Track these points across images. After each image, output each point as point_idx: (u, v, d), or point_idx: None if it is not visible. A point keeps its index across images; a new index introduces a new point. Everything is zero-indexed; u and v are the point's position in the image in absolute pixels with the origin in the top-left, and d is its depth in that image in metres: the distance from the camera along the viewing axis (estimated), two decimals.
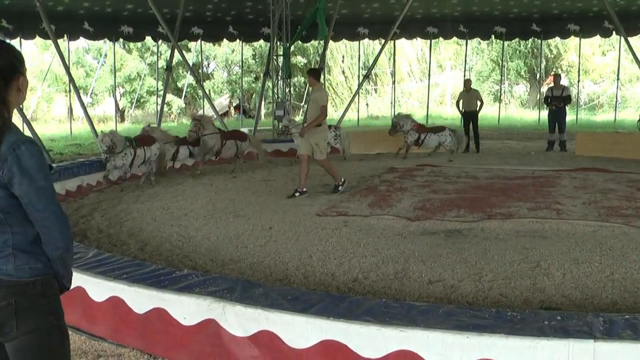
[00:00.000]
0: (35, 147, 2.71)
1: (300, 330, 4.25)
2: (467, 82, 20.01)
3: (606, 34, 27.12)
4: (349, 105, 25.31)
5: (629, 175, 13.55)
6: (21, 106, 8.53)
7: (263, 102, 27.67)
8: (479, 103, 19.39)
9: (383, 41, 25.17)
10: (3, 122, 2.68)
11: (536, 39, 30.60)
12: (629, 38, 22.57)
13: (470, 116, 19.21)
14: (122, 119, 35.43)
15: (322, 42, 25.07)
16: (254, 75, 40.82)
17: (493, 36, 29.02)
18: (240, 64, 35.07)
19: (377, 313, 4.23)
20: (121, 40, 27.78)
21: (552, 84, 20.21)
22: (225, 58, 40.70)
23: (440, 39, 30.60)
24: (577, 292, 6.05)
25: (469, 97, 19.35)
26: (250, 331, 4.42)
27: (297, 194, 11.35)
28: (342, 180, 11.82)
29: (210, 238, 8.35)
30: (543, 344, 3.81)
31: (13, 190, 2.66)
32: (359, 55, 33.06)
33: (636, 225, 8.79)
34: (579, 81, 34.22)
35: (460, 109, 19.53)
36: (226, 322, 4.50)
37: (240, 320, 4.45)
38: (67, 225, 2.82)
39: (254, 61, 40.41)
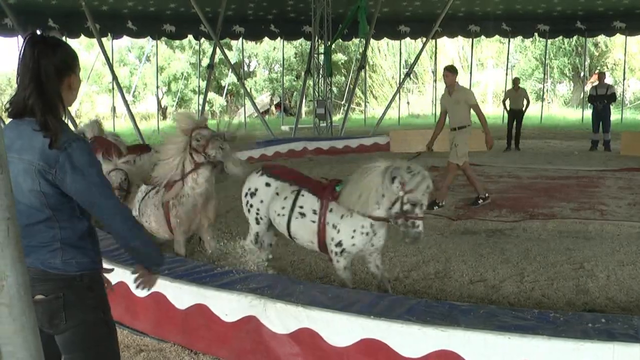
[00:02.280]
0: (85, 144, 2.77)
1: (340, 328, 4.25)
2: (515, 81, 19.96)
3: None
4: (390, 103, 25.26)
5: None
6: None
7: (304, 100, 27.73)
8: (525, 102, 19.30)
9: (424, 39, 25.06)
10: (59, 120, 2.74)
11: (580, 37, 30.19)
12: None
13: (516, 114, 19.20)
14: (164, 117, 35.77)
15: (363, 40, 25.03)
16: (295, 74, 40.92)
17: (536, 34, 28.67)
18: (282, 62, 35.18)
19: (418, 312, 4.21)
20: (163, 39, 28.02)
21: (596, 82, 19.93)
22: (267, 56, 40.86)
23: (482, 37, 30.33)
24: (622, 295, 5.97)
25: (517, 96, 19.32)
26: (290, 328, 4.43)
27: (480, 201, 10.37)
28: (486, 195, 10.53)
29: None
30: (587, 346, 3.74)
31: (65, 188, 2.71)
32: (400, 54, 32.92)
33: None
34: (624, 79, 33.61)
35: (507, 107, 19.45)
36: (267, 319, 4.52)
37: (281, 317, 4.47)
38: (127, 216, 2.89)
39: (295, 59, 40.51)
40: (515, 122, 19.28)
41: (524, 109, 19.35)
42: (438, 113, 30.70)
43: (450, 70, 10.92)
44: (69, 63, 2.82)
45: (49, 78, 2.72)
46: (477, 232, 8.41)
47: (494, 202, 10.39)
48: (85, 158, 2.72)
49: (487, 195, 10.49)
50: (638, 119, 31.21)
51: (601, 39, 35.32)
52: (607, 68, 38.72)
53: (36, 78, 2.70)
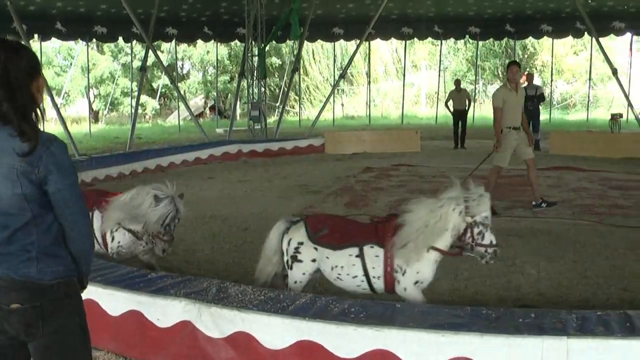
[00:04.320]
0: (63, 144, 2.78)
1: (276, 331, 4.23)
2: (457, 82, 20.38)
3: (578, 34, 27.41)
4: (324, 105, 25.31)
5: (601, 173, 13.69)
6: None
7: (238, 103, 27.59)
8: (467, 102, 19.69)
9: (358, 41, 25.22)
10: (34, 124, 2.72)
11: (510, 39, 30.86)
12: (600, 38, 22.85)
13: (460, 114, 19.57)
14: (96, 121, 35.09)
15: (297, 42, 25.06)
16: (229, 76, 40.68)
17: (467, 36, 29.19)
18: (216, 64, 34.94)
19: (353, 313, 4.22)
20: (94, 40, 27.52)
21: (525, 84, 20.35)
22: (201, 58, 40.52)
23: (415, 39, 30.71)
24: (552, 290, 6.11)
25: (459, 97, 19.74)
26: (226, 332, 4.39)
27: (543, 204, 10.00)
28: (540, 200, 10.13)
29: (186, 239, 8.29)
30: (518, 341, 3.83)
31: (47, 186, 2.72)
32: (334, 56, 33.08)
33: (609, 223, 8.90)
34: (552, 80, 34.51)
35: (450, 108, 19.75)
36: (202, 323, 4.47)
37: (216, 321, 4.42)
38: (88, 220, 2.92)
39: (229, 62, 40.28)
40: (460, 122, 19.66)
41: (466, 108, 19.71)
42: (372, 114, 30.79)
43: (519, 66, 10.51)
44: (36, 66, 2.80)
45: (19, 83, 2.69)
46: None
47: None
48: (66, 156, 2.77)
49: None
50: (566, 119, 32.02)
51: (530, 41, 36.11)
52: (536, 69, 39.63)
53: (6, 85, 2.66)
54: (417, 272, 4.80)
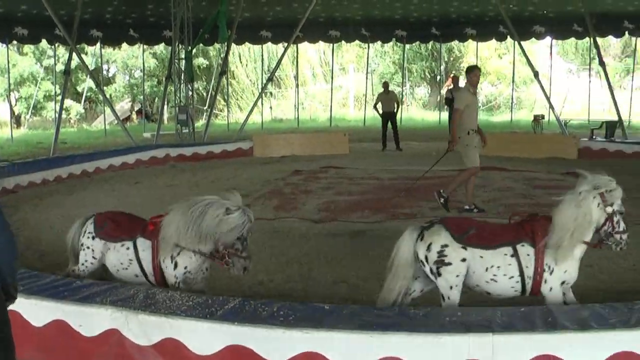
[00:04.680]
0: None
1: (205, 336, 4.21)
2: (385, 84, 20.56)
3: (501, 37, 28.09)
4: (253, 108, 25.23)
5: (525, 173, 14.05)
6: None
7: (166, 107, 27.26)
8: (396, 104, 19.89)
9: (286, 44, 25.24)
10: None
11: (436, 42, 31.39)
12: (521, 42, 23.51)
13: (389, 117, 19.72)
14: (18, 125, 34.08)
15: (225, 45, 24.90)
16: (156, 80, 40.09)
17: (394, 39, 29.54)
18: (142, 67, 34.42)
19: (282, 316, 4.23)
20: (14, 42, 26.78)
21: (451, 86, 20.78)
22: (126, 62, 39.81)
23: (343, 42, 30.91)
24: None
25: (388, 99, 19.89)
26: (154, 340, 4.34)
27: (475, 210, 10.02)
28: (473, 206, 10.23)
29: None
30: (445, 339, 3.93)
31: None
32: (262, 59, 33.02)
33: None
34: None
35: (379, 110, 19.89)
36: (129, 331, 4.41)
37: (144, 328, 4.36)
38: (12, 232, 2.83)
39: (155, 65, 39.70)
40: (390, 124, 19.85)
41: (395, 111, 19.89)
42: (301, 117, 30.76)
43: (480, 70, 10.64)
44: None
45: None
46: (341, 234, 8.54)
47: (357, 204, 10.58)
48: None
49: (473, 206, 10.20)
50: (491, 121, 32.67)
51: (455, 44, 36.77)
52: (461, 72, 40.32)
53: None
54: (565, 271, 4.79)
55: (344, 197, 11.36)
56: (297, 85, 32.90)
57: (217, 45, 29.49)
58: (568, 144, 17.77)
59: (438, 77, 38.35)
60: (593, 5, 23.19)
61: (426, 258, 4.82)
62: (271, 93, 38.49)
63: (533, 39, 28.12)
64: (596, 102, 32.39)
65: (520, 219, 5.13)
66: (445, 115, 24.20)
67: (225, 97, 34.62)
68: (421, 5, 25.54)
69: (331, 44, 30.87)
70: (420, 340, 3.93)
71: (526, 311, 4.30)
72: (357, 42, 31.16)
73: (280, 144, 19.39)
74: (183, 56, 21.63)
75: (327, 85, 36.14)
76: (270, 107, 36.50)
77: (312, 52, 40.21)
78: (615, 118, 21.51)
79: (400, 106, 20.62)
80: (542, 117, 24.40)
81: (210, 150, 18.63)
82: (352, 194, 11.67)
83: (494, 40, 30.38)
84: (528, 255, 4.77)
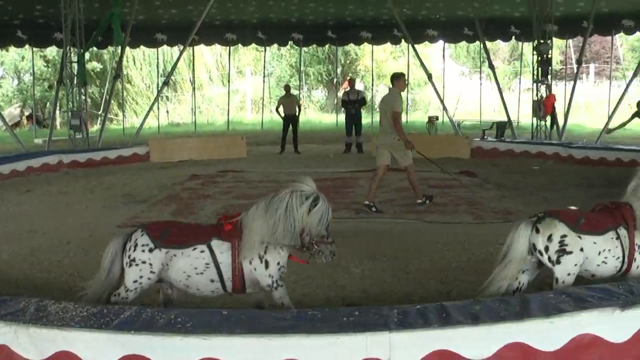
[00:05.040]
0: None
1: (100, 347, 4.09)
2: (287, 87, 20.70)
3: (396, 41, 28.66)
4: (148, 112, 24.84)
5: (420, 173, 14.30)
6: None
7: (58, 111, 26.46)
8: (297, 107, 19.99)
9: (182, 47, 24.95)
10: None
11: (332, 45, 31.72)
12: (415, 45, 24.09)
13: (290, 119, 19.77)
14: None
15: (119, 48, 24.36)
16: (47, 83, 38.81)
17: (291, 42, 29.71)
18: (32, 70, 33.24)
19: (179, 323, 4.17)
20: None
21: (348, 88, 21.07)
22: (15, 65, 38.38)
23: (240, 45, 30.82)
24: (375, 287, 6.36)
25: (289, 102, 19.93)
26: (47, 353, 4.17)
27: (373, 208, 10.38)
28: (424, 199, 10.75)
29: (1, 256, 7.85)
30: (343, 339, 3.97)
31: None
32: (158, 62, 32.52)
33: (427, 220, 9.39)
34: (373, 85, 35.78)
35: (281, 113, 19.90)
36: (19, 346, 4.21)
37: (36, 342, 4.19)
38: None
39: (46, 68, 38.43)
40: (290, 127, 19.89)
41: (296, 114, 19.99)
42: (198, 121, 30.61)
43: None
44: None
45: None
46: None
47: None
48: None
49: (424, 200, 10.73)
50: None
51: (351, 47, 37.21)
52: (358, 75, 40.90)
53: None
54: None
55: (242, 201, 11.31)
56: (194, 89, 32.61)
57: (111, 48, 28.83)
58: (461, 144, 18.32)
59: (335, 80, 38.74)
60: (482, 11, 24.02)
61: (546, 248, 5.20)
62: (167, 97, 37.91)
63: (426, 42, 28.84)
64: (487, 104, 33.51)
65: (607, 207, 5.64)
66: (342, 117, 24.46)
67: (120, 101, 33.90)
68: (317, 9, 25.73)
69: (228, 47, 30.73)
70: (319, 341, 3.96)
71: (421, 308, 4.40)
72: (253, 45, 31.11)
73: (177, 149, 19.15)
74: (75, 59, 21.04)
75: (224, 88, 35.91)
76: (167, 111, 35.91)
77: (208, 56, 39.86)
78: (505, 119, 22.31)
79: (301, 109, 20.77)
80: (436, 118, 25.02)
81: (105, 156, 18.18)
82: (251, 197, 11.57)
83: (389, 44, 30.96)
84: (625, 237, 5.31)
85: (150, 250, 5.01)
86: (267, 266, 5.00)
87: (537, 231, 5.23)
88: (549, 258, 5.20)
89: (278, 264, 5.04)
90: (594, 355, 4.21)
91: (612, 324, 4.25)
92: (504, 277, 5.25)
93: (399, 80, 10.89)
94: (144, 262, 5.00)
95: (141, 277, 5.04)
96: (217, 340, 3.99)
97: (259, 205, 5.07)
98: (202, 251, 5.00)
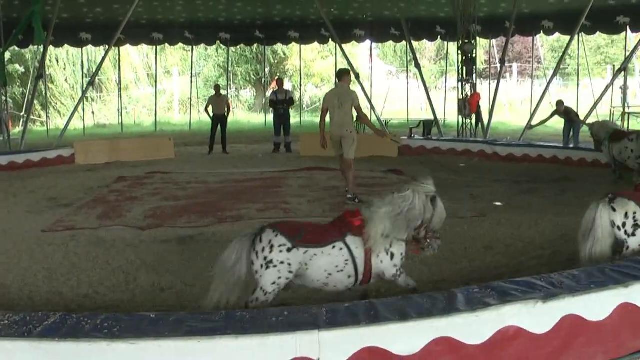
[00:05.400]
0: None
1: (24, 357, 3.97)
2: (217, 87, 20.61)
3: (323, 40, 28.72)
4: (73, 113, 24.29)
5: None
6: None
7: None
8: (227, 108, 19.86)
9: (107, 47, 24.49)
10: None
11: (260, 45, 31.65)
12: (343, 45, 24.24)
13: (219, 119, 19.64)
14: None
15: (41, 47, 23.76)
16: None
17: (218, 42, 29.50)
18: None
19: (106, 328, 4.10)
20: None
21: (276, 88, 21.06)
22: None
23: (167, 45, 30.47)
24: (305, 287, 6.35)
25: (219, 102, 19.77)
26: None
27: (356, 199, 10.79)
28: (355, 196, 11.05)
29: None
30: (272, 339, 3.99)
31: None
32: (82, 62, 31.84)
33: None
34: (301, 85, 35.84)
35: (210, 113, 19.73)
36: None
37: None
38: None
39: None
40: (220, 127, 19.75)
41: (226, 114, 19.86)
42: (125, 122, 30.08)
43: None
44: None
45: None
46: (168, 240, 8.42)
47: (184, 209, 10.49)
48: None
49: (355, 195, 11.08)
50: (315, 122, 33.39)
51: (279, 47, 37.20)
52: (286, 74, 40.95)
53: None
54: None
55: (171, 202, 11.22)
56: (120, 90, 32.04)
57: (32, 48, 28.08)
58: (388, 142, 18.48)
59: (263, 80, 38.67)
60: (408, 11, 24.33)
61: (624, 224, 5.99)
62: (92, 98, 37.17)
63: (354, 42, 29.04)
64: (414, 103, 33.99)
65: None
66: (270, 117, 24.41)
67: (44, 102, 33.08)
68: (245, 8, 25.60)
69: (154, 47, 30.34)
70: (248, 343, 3.96)
71: (350, 306, 4.45)
72: (181, 45, 30.79)
73: (103, 151, 18.76)
74: None
75: (152, 89, 35.46)
76: (93, 113, 35.14)
77: (135, 55, 39.27)
78: (432, 117, 22.66)
79: (230, 109, 20.67)
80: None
81: (28, 159, 17.68)
82: (179, 199, 11.54)
83: (316, 43, 31.05)
84: None
85: (289, 250, 5.05)
86: (392, 257, 5.38)
87: (614, 210, 6.00)
88: (626, 232, 6.01)
89: (401, 254, 5.45)
90: (518, 347, 4.36)
91: (534, 316, 4.41)
92: (595, 251, 5.94)
93: (347, 75, 11.46)
94: (282, 263, 5.04)
95: (279, 278, 5.08)
96: (145, 344, 3.94)
97: (383, 202, 5.37)
98: (341, 248, 5.20)
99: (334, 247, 5.16)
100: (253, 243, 5.14)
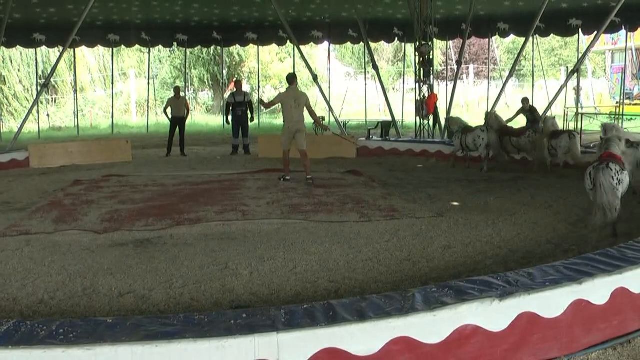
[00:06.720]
0: None
1: None
2: (177, 89, 20.45)
3: (281, 42, 28.83)
4: (27, 116, 23.91)
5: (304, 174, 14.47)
6: None
7: None
8: (186, 110, 19.77)
9: (62, 48, 24.17)
10: None
11: (217, 47, 31.55)
12: (301, 46, 24.27)
13: (178, 122, 19.53)
14: None
15: None
16: None
17: (175, 44, 29.36)
18: None
19: (62, 334, 4.04)
20: None
21: (234, 90, 20.99)
22: None
23: (123, 46, 30.22)
24: (264, 289, 6.35)
25: (179, 104, 19.67)
26: None
27: (310, 180, 13.20)
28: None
29: None
30: (230, 342, 3.96)
31: None
32: (36, 64, 31.38)
33: (315, 220, 9.48)
34: (259, 87, 35.79)
35: (169, 114, 19.59)
36: None
37: None
38: None
39: None
40: (178, 129, 19.66)
41: (185, 116, 19.75)
42: (81, 125, 29.88)
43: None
44: None
45: None
46: (125, 244, 8.32)
47: (141, 212, 10.38)
48: None
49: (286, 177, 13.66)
50: (274, 123, 33.36)
51: (236, 49, 37.12)
52: (244, 76, 40.86)
53: None
54: None
55: (128, 205, 11.09)
56: (76, 92, 31.66)
57: None
58: (347, 144, 18.52)
59: (221, 82, 38.52)
60: (365, 13, 24.47)
61: (619, 180, 7.88)
62: (47, 100, 36.65)
63: (312, 43, 29.16)
64: (372, 104, 34.16)
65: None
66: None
67: None
68: (202, 10, 25.53)
69: (111, 49, 30.07)
70: (206, 346, 3.93)
71: (308, 307, 4.45)
72: (137, 46, 30.59)
73: (58, 154, 18.50)
74: None
75: (108, 91, 35.11)
76: (48, 115, 34.68)
77: (90, 57, 38.82)
78: (390, 118, 22.78)
79: (189, 111, 20.58)
80: (323, 118, 25.18)
81: None
82: (136, 202, 11.42)
83: (274, 45, 31.06)
84: None
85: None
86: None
87: (610, 169, 7.88)
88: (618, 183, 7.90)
89: None
90: (475, 345, 4.41)
91: (491, 314, 4.46)
92: (612, 205, 7.84)
93: (296, 79, 14.42)
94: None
95: None
96: (102, 349, 3.88)
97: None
98: None
99: None
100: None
